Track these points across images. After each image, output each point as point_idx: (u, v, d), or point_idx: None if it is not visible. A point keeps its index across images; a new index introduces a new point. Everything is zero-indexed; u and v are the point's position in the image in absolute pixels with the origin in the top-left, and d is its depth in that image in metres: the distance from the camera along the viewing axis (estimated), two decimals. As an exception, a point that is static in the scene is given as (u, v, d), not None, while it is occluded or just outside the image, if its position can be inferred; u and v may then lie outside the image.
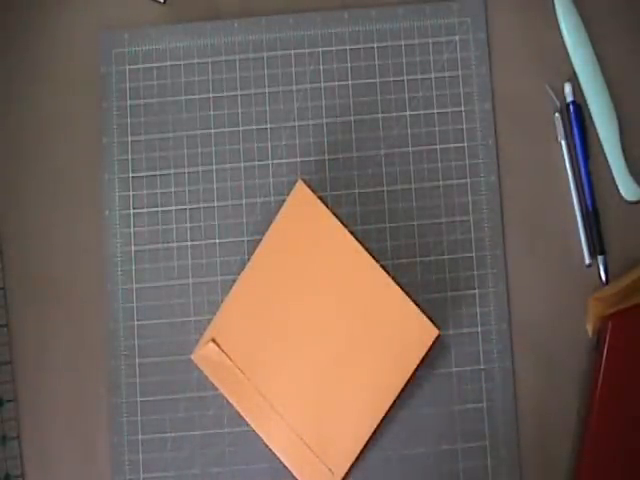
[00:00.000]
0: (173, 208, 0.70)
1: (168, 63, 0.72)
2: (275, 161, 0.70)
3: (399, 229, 0.69)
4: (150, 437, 0.68)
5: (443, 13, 0.71)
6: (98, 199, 0.71)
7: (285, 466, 0.66)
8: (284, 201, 0.66)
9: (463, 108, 0.70)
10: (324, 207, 0.61)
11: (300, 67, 0.71)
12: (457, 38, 0.71)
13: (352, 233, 0.62)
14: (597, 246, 0.69)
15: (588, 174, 0.69)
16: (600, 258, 0.68)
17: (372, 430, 0.60)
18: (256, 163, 0.70)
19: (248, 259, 0.69)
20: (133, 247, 0.70)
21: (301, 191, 0.62)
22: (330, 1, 0.72)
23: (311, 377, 0.61)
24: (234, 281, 0.69)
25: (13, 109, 0.72)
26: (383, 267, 0.61)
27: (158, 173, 0.71)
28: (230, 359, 0.62)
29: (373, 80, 0.71)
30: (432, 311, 0.68)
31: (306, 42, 0.71)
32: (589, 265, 0.69)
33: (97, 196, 0.71)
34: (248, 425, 0.67)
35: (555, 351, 0.68)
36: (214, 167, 0.70)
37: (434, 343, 0.60)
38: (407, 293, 0.61)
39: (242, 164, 0.70)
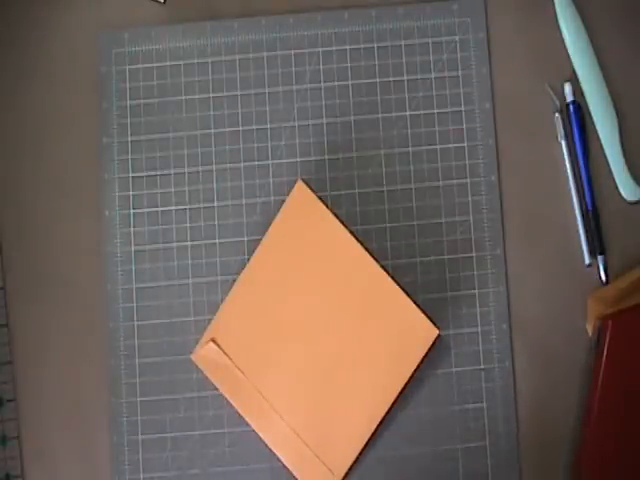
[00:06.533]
0: (173, 208, 0.70)
1: (168, 63, 0.72)
2: (275, 161, 0.70)
3: (399, 229, 0.69)
4: (150, 437, 0.68)
5: (443, 13, 0.71)
6: (98, 199, 0.71)
7: (285, 466, 0.66)
8: (284, 201, 0.66)
9: (463, 108, 0.70)
10: (324, 207, 0.61)
11: (300, 67, 0.71)
12: (457, 38, 0.71)
13: (352, 233, 0.62)
14: (597, 246, 0.69)
15: (588, 174, 0.69)
16: (600, 258, 0.68)
17: (372, 430, 0.60)
18: (256, 163, 0.70)
19: (248, 259, 0.69)
20: (133, 247, 0.70)
21: (301, 191, 0.62)
22: (330, 1, 0.72)
23: (311, 377, 0.61)
24: (234, 281, 0.69)
25: (13, 109, 0.72)
26: (383, 267, 0.61)
27: (158, 173, 0.71)
28: (230, 359, 0.62)
29: (373, 80, 0.71)
30: (432, 311, 0.68)
31: (306, 42, 0.71)
32: (589, 265, 0.69)
33: (97, 196, 0.71)
34: (248, 425, 0.67)
35: (555, 351, 0.68)
36: (214, 167, 0.70)
37: (434, 343, 0.60)
38: (407, 293, 0.61)
39: (242, 164, 0.71)
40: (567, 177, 0.70)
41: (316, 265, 0.61)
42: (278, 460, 0.67)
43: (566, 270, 0.69)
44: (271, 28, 0.72)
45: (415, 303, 0.60)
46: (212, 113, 0.71)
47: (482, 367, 0.68)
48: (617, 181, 0.69)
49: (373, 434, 0.61)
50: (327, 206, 0.62)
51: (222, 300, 0.69)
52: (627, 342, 0.64)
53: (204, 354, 0.62)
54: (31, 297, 0.70)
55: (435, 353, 0.68)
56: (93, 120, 0.72)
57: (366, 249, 0.61)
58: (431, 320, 0.60)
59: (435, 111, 0.70)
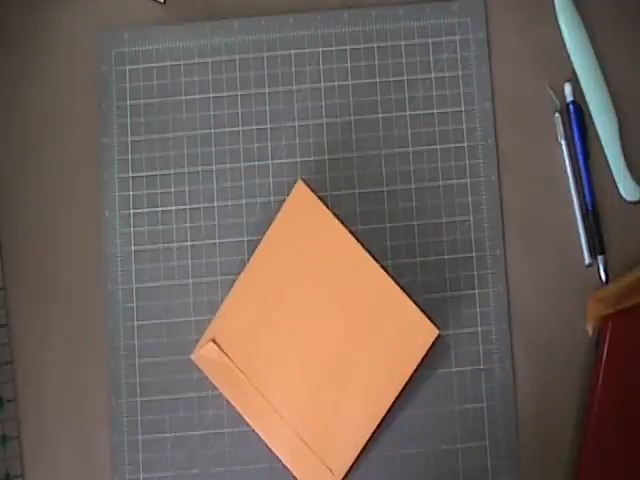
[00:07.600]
0: (173, 208, 0.70)
1: (168, 63, 0.72)
2: (275, 161, 0.70)
3: (399, 229, 0.69)
4: (150, 437, 0.68)
5: (443, 13, 0.71)
6: (98, 199, 0.71)
7: (285, 466, 0.66)
8: (284, 201, 0.66)
9: (463, 108, 0.70)
10: (324, 207, 0.61)
11: (300, 67, 0.71)
12: (457, 38, 0.71)
13: (352, 233, 0.62)
14: (597, 246, 0.69)
15: (588, 174, 0.69)
16: (600, 258, 0.68)
17: (372, 430, 0.60)
18: (256, 163, 0.70)
19: (248, 259, 0.69)
20: (133, 247, 0.70)
21: (301, 191, 0.62)
22: (330, 1, 0.72)
23: (311, 377, 0.61)
24: (234, 281, 0.69)
25: (13, 109, 0.72)
26: (383, 267, 0.61)
27: (158, 173, 0.71)
28: (230, 359, 0.62)
29: (373, 80, 0.71)
30: (432, 311, 0.68)
31: (306, 42, 0.71)
32: (589, 265, 0.69)
33: (97, 196, 0.71)
34: (248, 425, 0.67)
35: (555, 351, 0.68)
36: (214, 167, 0.70)
37: (434, 343, 0.60)
38: (407, 293, 0.61)
39: (242, 164, 0.70)
40: (567, 177, 0.70)
41: (316, 265, 0.61)
42: (278, 460, 0.67)
43: (566, 270, 0.69)
44: (271, 28, 0.72)
45: (415, 303, 0.60)
46: (212, 113, 0.71)
47: (482, 367, 0.68)
48: (617, 181, 0.69)
49: (373, 434, 0.61)
50: (327, 206, 0.62)
51: (222, 300, 0.69)
52: (627, 342, 0.64)
53: (204, 354, 0.62)
54: (31, 297, 0.70)
55: (435, 353, 0.68)
56: (93, 120, 0.72)
57: (366, 249, 0.61)
58: (431, 320, 0.60)
59: (435, 111, 0.70)
